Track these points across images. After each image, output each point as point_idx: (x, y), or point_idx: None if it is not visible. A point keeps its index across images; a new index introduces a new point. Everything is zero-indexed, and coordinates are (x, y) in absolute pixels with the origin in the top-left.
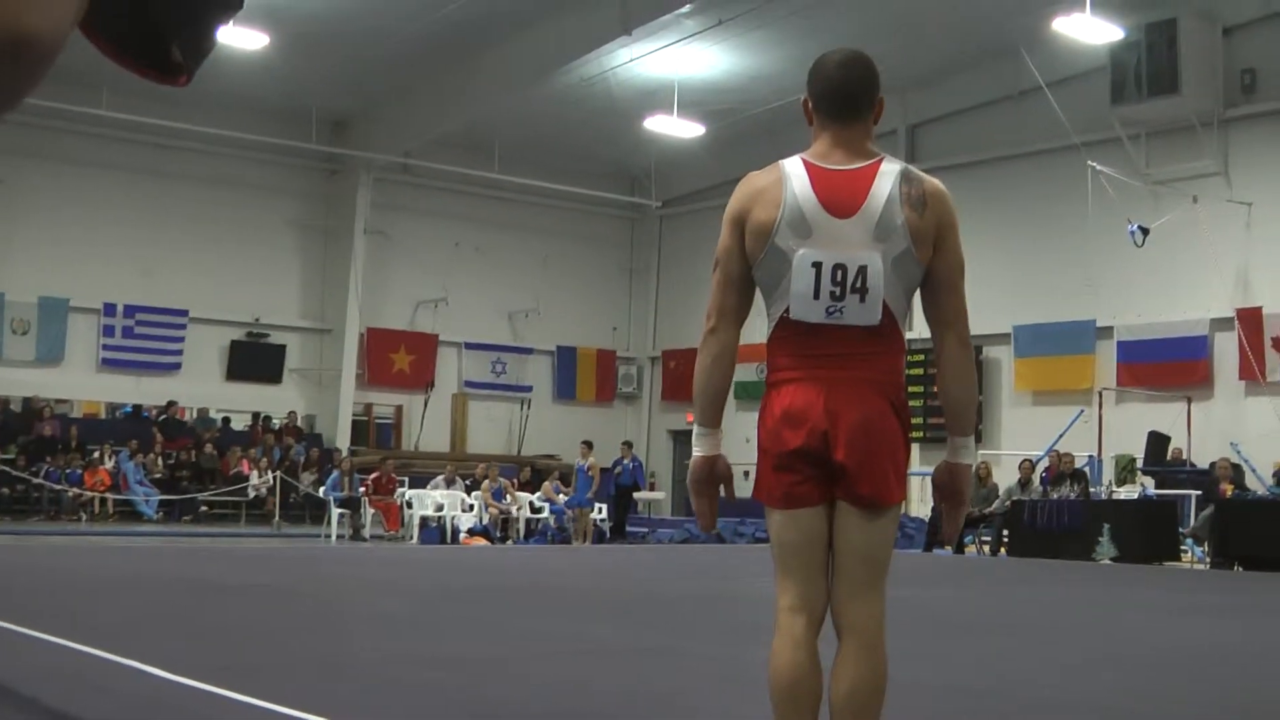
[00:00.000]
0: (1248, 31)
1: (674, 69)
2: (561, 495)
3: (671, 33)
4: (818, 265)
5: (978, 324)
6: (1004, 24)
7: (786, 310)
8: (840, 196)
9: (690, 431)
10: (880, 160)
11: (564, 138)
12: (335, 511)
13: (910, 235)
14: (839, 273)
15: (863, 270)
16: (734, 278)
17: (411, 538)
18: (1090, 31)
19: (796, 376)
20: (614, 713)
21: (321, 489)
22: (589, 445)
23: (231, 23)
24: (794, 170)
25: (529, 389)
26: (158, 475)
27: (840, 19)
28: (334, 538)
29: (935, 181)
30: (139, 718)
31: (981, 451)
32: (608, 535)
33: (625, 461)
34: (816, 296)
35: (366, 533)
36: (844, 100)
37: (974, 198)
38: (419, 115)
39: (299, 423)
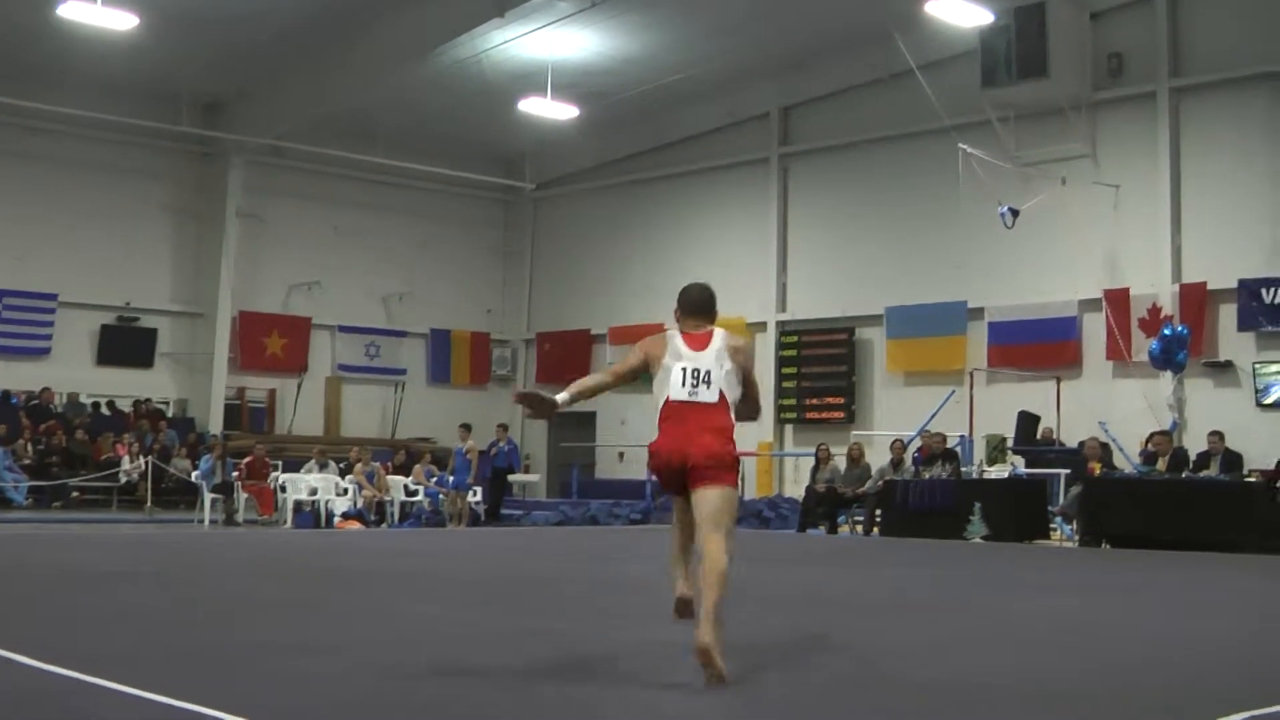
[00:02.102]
0: (1115, 16)
1: (548, 51)
2: (433, 479)
3: (545, 14)
4: (684, 370)
5: (850, 305)
6: (876, 7)
7: (669, 396)
8: (697, 344)
9: (563, 413)
10: (713, 331)
11: (438, 120)
12: (208, 496)
13: (734, 365)
14: (695, 374)
15: (707, 374)
16: (632, 372)
17: (286, 522)
18: (961, 15)
19: (668, 429)
20: (492, 698)
21: (194, 474)
22: (467, 428)
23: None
24: (675, 334)
25: (403, 372)
26: (27, 461)
27: (712, 2)
28: (207, 523)
29: (738, 337)
30: (3, 708)
31: (854, 432)
32: (483, 518)
33: (500, 444)
34: (685, 386)
35: (240, 517)
36: (700, 308)
37: (846, 180)
38: (292, 98)
39: (171, 408)
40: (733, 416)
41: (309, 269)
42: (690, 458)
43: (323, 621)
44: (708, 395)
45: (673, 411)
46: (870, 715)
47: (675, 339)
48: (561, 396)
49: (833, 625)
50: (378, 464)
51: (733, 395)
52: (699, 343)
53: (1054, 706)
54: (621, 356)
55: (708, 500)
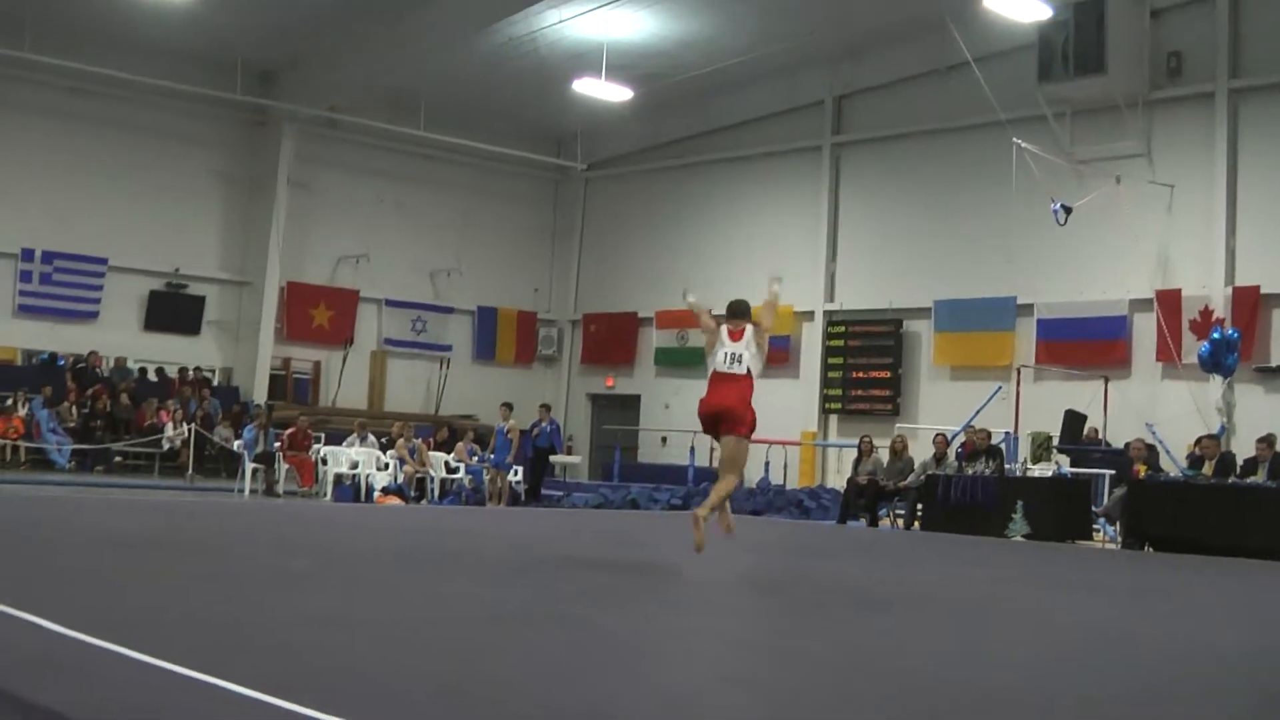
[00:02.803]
0: (1175, 14)
1: (603, 31)
2: (474, 457)
3: None
4: (725, 353)
5: (898, 297)
6: None
7: (715, 368)
8: (735, 337)
9: (607, 395)
10: (746, 325)
11: (491, 97)
12: (249, 466)
13: (756, 346)
14: (731, 356)
15: (739, 355)
16: (704, 328)
17: (326, 495)
18: (1019, 8)
19: (712, 389)
20: (510, 679)
21: (237, 443)
22: (509, 407)
23: None
24: (724, 328)
25: (448, 348)
26: (71, 424)
27: None
28: (247, 492)
29: (762, 329)
30: (26, 671)
31: (898, 425)
32: (522, 498)
33: (543, 424)
34: (725, 362)
35: (280, 489)
36: (737, 313)
37: (898, 171)
38: (346, 70)
39: (216, 376)
40: (754, 384)
41: (358, 242)
42: (722, 410)
43: (347, 595)
44: (739, 369)
45: (716, 378)
46: (886, 716)
47: (723, 331)
48: (692, 299)
49: (863, 620)
50: (419, 440)
51: (756, 367)
52: (736, 336)
53: (1079, 713)
54: (668, 341)
55: (727, 446)
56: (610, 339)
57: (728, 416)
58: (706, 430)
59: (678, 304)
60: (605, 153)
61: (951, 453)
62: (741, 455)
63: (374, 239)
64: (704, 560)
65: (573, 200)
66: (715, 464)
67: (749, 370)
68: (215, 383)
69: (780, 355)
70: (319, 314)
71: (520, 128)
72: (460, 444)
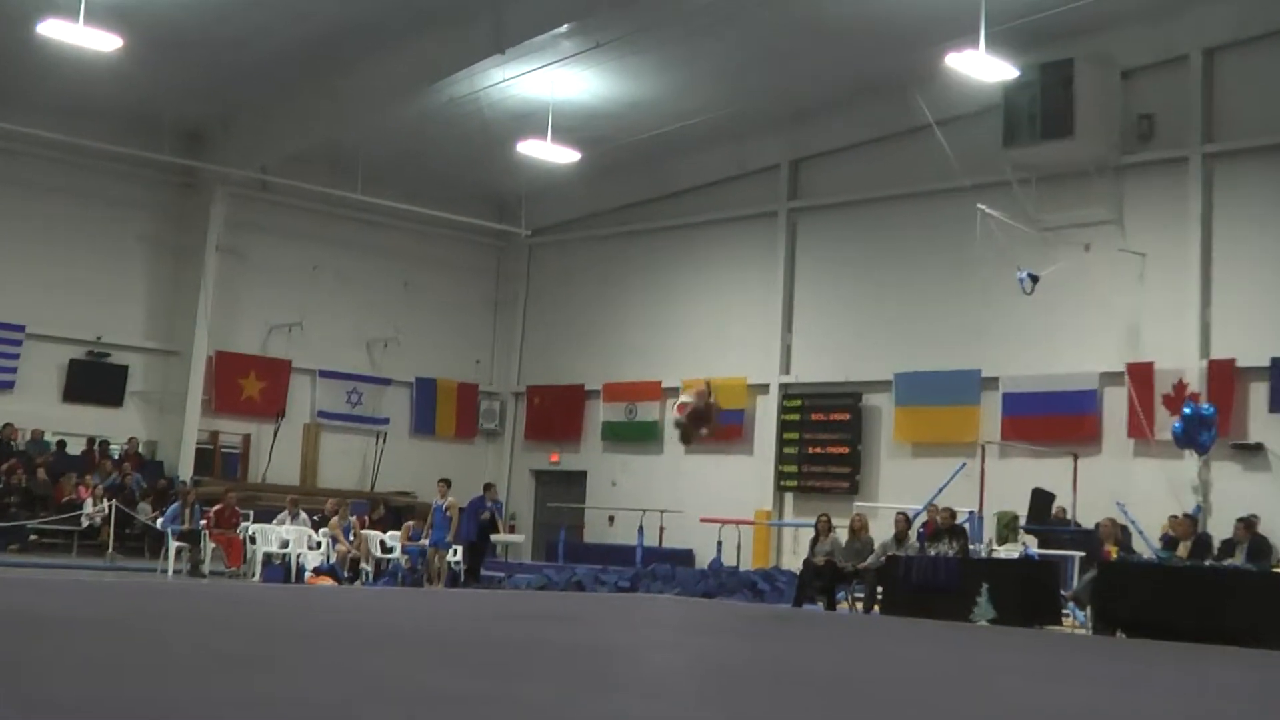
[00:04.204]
0: (1146, 75)
1: (549, 91)
2: (422, 539)
3: (547, 54)
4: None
5: (857, 370)
6: (892, 58)
7: None
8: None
9: (551, 472)
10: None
11: (431, 159)
12: (173, 545)
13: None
14: None
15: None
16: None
17: (254, 575)
18: (983, 69)
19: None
20: None
21: (160, 520)
22: (447, 483)
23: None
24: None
25: (385, 421)
26: None
27: (719, 47)
28: (171, 572)
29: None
30: None
31: (856, 504)
32: (462, 578)
33: (489, 503)
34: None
35: (206, 568)
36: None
37: (858, 238)
38: (279, 129)
39: (140, 449)
40: None
41: (291, 310)
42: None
43: (272, 677)
44: None
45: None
46: None
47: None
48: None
49: (815, 708)
50: (354, 517)
51: None
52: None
53: None
54: (615, 414)
55: None
56: (555, 412)
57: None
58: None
59: (626, 376)
60: (551, 218)
61: (913, 533)
62: None
63: (308, 307)
64: (652, 643)
65: (516, 267)
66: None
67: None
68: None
69: (733, 430)
70: (249, 385)
71: (462, 191)
72: (408, 524)
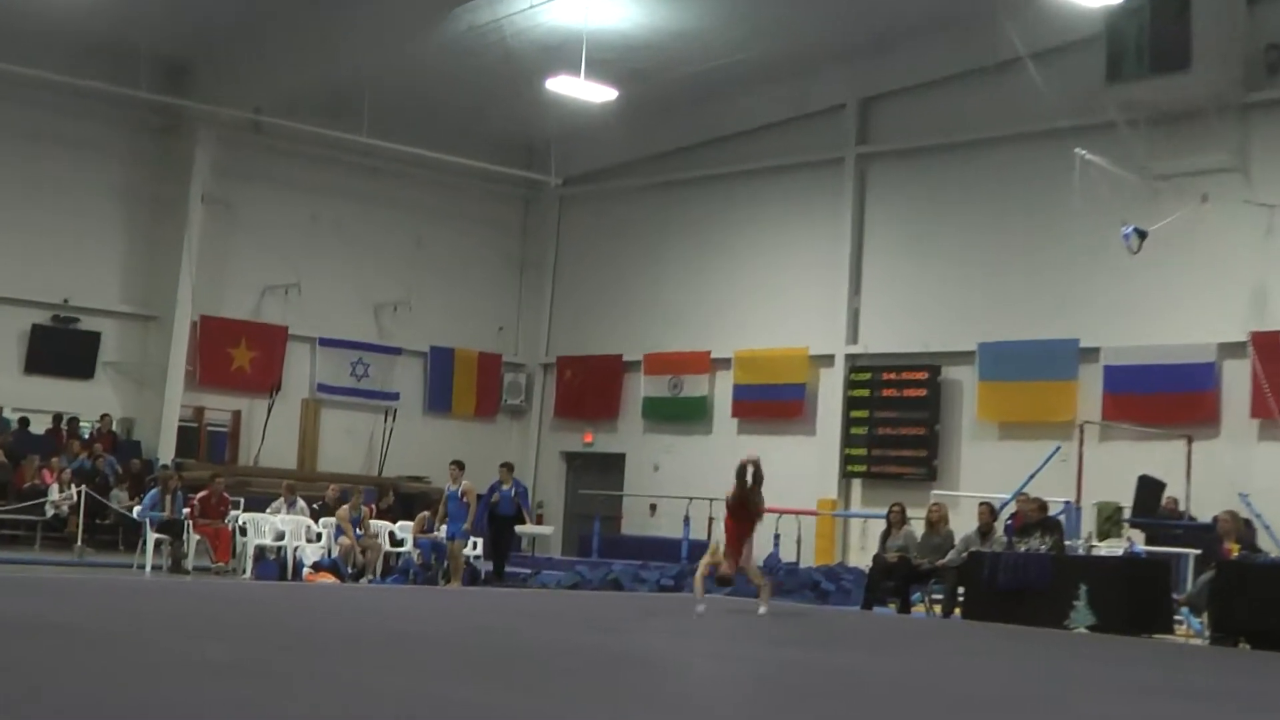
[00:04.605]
0: (1275, 1)
1: (582, 20)
2: (437, 531)
3: None
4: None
5: (935, 339)
6: None
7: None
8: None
9: (585, 454)
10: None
11: (449, 98)
12: (152, 537)
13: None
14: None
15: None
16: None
17: (244, 572)
18: None
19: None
20: None
21: (136, 509)
22: (460, 466)
23: None
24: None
25: (395, 397)
26: None
27: None
28: (149, 569)
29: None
30: None
31: (935, 491)
32: (482, 576)
33: (505, 487)
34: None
35: (189, 564)
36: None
37: (936, 188)
38: (275, 64)
39: (114, 428)
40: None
41: (287, 270)
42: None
43: (265, 689)
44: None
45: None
46: None
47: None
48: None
49: None
50: (367, 507)
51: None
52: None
53: None
54: (658, 389)
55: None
56: (589, 387)
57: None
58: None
59: (670, 345)
60: (584, 166)
61: (999, 526)
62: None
63: (307, 266)
64: (701, 653)
65: (545, 222)
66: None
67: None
68: (112, 435)
69: (793, 408)
70: (239, 355)
71: (484, 135)
72: (423, 514)
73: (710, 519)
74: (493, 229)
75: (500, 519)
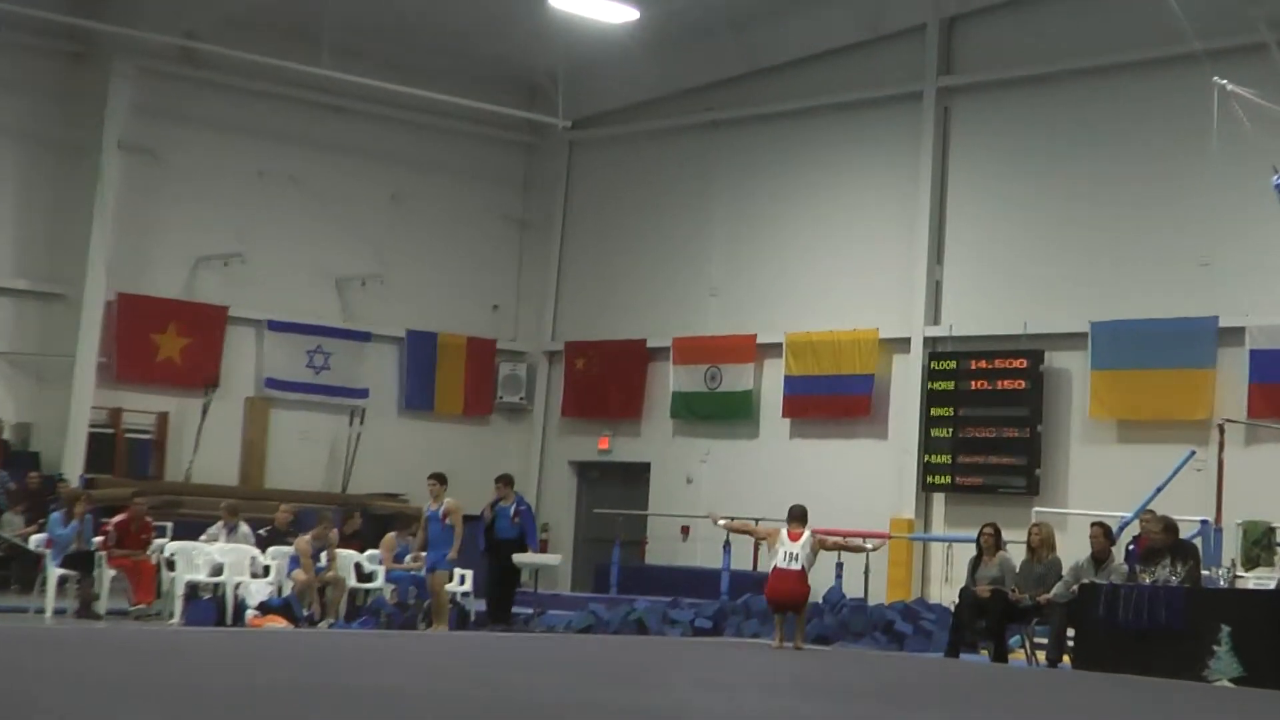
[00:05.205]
0: None
1: None
2: (409, 559)
3: None
4: (785, 553)
5: (1038, 318)
6: None
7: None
8: (794, 538)
9: (601, 464)
10: (805, 531)
11: (430, 19)
12: (55, 573)
13: (811, 550)
14: (789, 554)
15: (796, 555)
16: (758, 535)
17: (172, 615)
18: None
19: (774, 578)
20: None
21: (35, 539)
22: (441, 480)
23: None
24: (784, 529)
25: (364, 394)
26: None
27: None
28: (50, 612)
29: (818, 534)
30: None
31: (1037, 509)
32: (472, 617)
33: (504, 504)
34: (784, 560)
35: (102, 607)
36: (795, 516)
37: (1039, 131)
38: None
39: (5, 435)
40: (807, 575)
41: (227, 235)
42: (790, 601)
43: None
44: (795, 566)
45: (779, 572)
46: None
47: (783, 532)
48: (723, 521)
49: None
50: (335, 532)
51: (809, 565)
52: (795, 537)
53: None
54: (692, 382)
55: (795, 615)
56: (605, 380)
57: (794, 604)
58: (774, 610)
59: (706, 328)
60: (599, 105)
61: (1119, 551)
62: (804, 614)
63: (253, 231)
64: (751, 713)
65: (551, 174)
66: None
67: (804, 566)
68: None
69: (858, 404)
70: (167, 342)
71: (475, 67)
72: (390, 536)
73: (757, 544)
74: (486, 183)
75: (499, 545)
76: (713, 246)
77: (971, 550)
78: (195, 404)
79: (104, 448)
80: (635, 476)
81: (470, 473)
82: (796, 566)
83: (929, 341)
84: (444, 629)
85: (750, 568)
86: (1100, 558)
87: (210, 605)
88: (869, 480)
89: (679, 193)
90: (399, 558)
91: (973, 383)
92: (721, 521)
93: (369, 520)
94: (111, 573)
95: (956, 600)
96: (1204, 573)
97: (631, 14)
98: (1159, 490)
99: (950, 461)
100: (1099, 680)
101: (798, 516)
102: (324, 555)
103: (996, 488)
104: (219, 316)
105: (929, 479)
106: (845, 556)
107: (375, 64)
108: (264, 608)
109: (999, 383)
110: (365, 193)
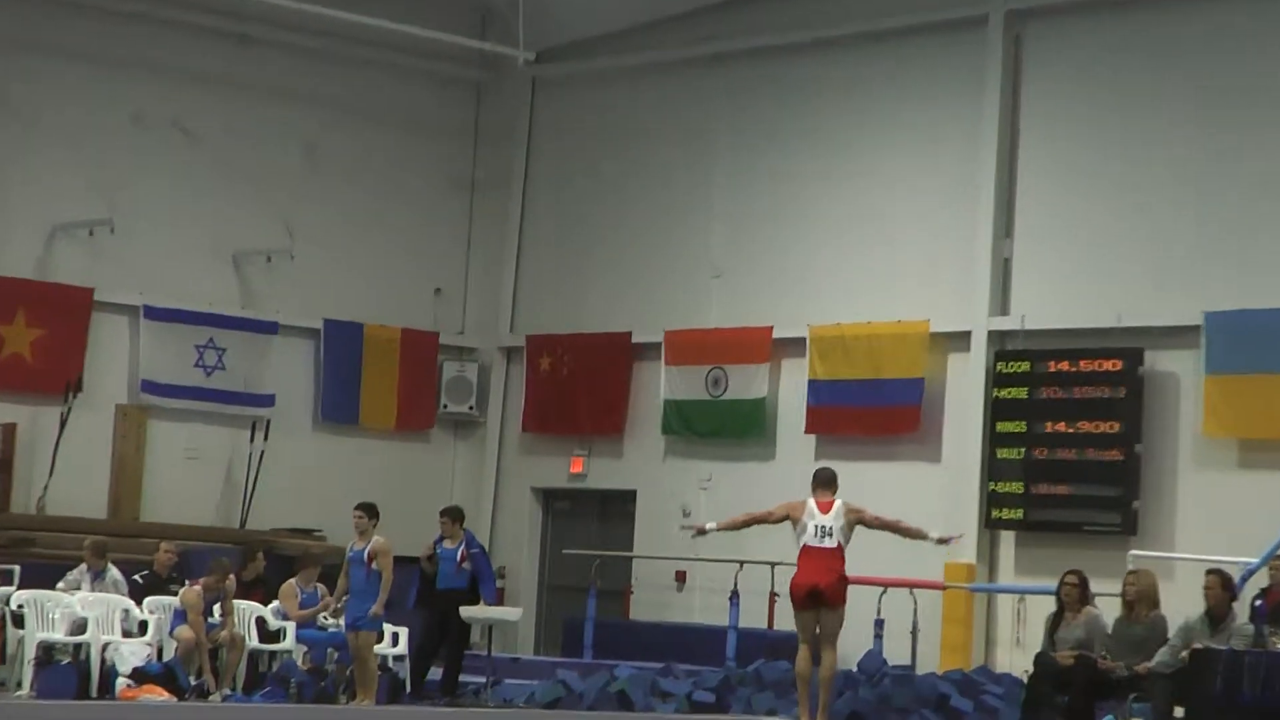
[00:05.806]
0: None
1: None
2: (321, 610)
3: None
4: (815, 527)
5: (1133, 308)
6: None
7: (805, 542)
8: (824, 509)
9: (572, 491)
10: (836, 499)
11: None
12: None
13: (846, 523)
14: (820, 528)
15: (829, 528)
16: (773, 519)
17: (20, 685)
18: None
19: (803, 560)
20: None
21: None
22: (368, 513)
23: None
24: (811, 500)
25: (269, 401)
26: None
27: None
28: None
29: (854, 504)
30: None
31: (1134, 553)
32: (406, 688)
33: (448, 546)
34: (815, 536)
35: None
36: (826, 484)
37: (1134, 68)
38: None
39: None
40: (844, 556)
41: (92, 198)
42: (821, 590)
43: None
44: (829, 543)
45: (808, 551)
46: None
47: (810, 503)
48: (710, 525)
49: None
50: (232, 579)
51: (845, 541)
52: (825, 508)
53: None
54: (689, 387)
55: (827, 621)
56: (579, 385)
57: (824, 589)
58: (800, 607)
59: (707, 319)
60: (570, 33)
61: (1242, 609)
62: (840, 626)
63: (126, 194)
64: None
65: (509, 122)
66: (798, 630)
67: (838, 544)
68: None
69: (904, 416)
70: (14, 335)
71: None
72: (291, 582)
73: (774, 595)
74: (427, 133)
75: (442, 596)
76: (714, 215)
77: (1050, 605)
78: (52, 413)
79: None
80: (616, 508)
81: (405, 503)
82: (832, 544)
83: (994, 337)
84: (370, 703)
85: (764, 625)
86: (1217, 615)
87: (70, 671)
88: (917, 515)
89: (671, 145)
90: (305, 605)
91: (1050, 390)
92: (710, 525)
93: (275, 563)
94: None
95: (1030, 669)
96: None
97: None
98: None
99: (1022, 491)
100: None
101: (825, 482)
102: (217, 609)
103: (1081, 525)
104: (82, 301)
105: (994, 513)
106: (887, 611)
107: None
108: (140, 675)
109: (1084, 390)
110: (272, 144)
